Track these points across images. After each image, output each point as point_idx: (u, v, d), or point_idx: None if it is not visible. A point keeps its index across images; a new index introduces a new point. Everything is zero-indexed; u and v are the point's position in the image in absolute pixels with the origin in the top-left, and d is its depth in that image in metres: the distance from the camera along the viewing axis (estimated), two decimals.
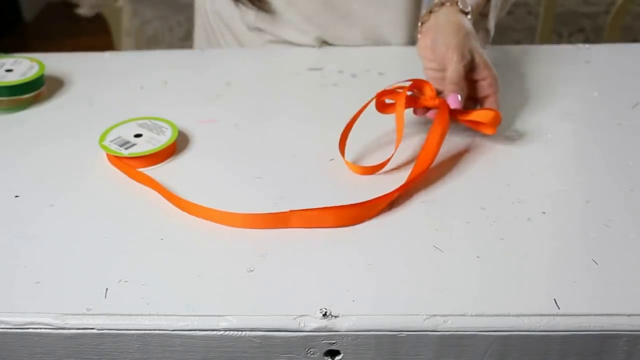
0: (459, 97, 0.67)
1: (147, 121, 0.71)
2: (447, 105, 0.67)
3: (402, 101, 0.67)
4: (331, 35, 0.90)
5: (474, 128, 0.70)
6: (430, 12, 0.73)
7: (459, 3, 0.72)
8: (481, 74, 0.70)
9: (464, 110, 0.68)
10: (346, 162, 0.66)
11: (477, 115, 0.68)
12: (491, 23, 0.78)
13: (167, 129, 0.70)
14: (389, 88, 0.69)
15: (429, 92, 0.69)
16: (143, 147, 0.67)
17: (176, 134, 0.69)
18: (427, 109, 0.69)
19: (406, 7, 0.88)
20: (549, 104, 0.76)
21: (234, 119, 0.75)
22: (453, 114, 0.68)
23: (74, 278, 0.54)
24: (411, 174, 0.64)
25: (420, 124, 0.73)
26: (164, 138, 0.68)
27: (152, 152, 0.67)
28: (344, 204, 0.60)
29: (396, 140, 0.67)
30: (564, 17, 2.42)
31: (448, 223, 0.59)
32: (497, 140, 0.70)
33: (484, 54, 0.70)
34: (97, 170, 0.67)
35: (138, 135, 0.69)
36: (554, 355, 0.51)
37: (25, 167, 0.68)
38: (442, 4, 0.73)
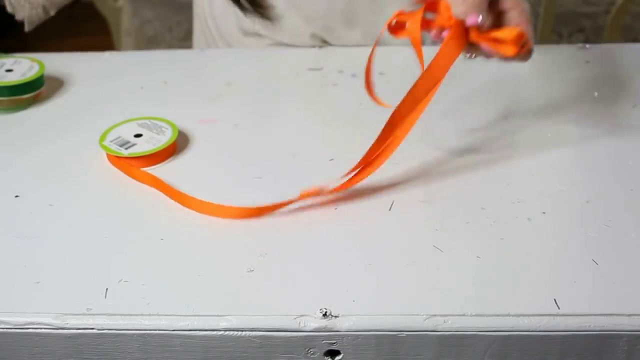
0: (479, 16, 0.60)
1: (147, 121, 0.71)
2: (463, 24, 0.61)
3: (417, 19, 0.62)
4: (330, 36, 0.90)
5: (493, 50, 0.62)
6: None
7: None
8: (508, 3, 0.63)
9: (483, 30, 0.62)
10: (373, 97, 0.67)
11: (497, 33, 0.61)
12: None
13: (167, 129, 0.70)
14: (400, 11, 0.63)
15: (445, 11, 0.62)
16: (143, 147, 0.67)
17: (176, 134, 0.69)
18: (443, 29, 0.63)
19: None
20: (549, 104, 0.76)
21: (234, 119, 0.75)
22: (471, 34, 0.61)
23: (74, 278, 0.54)
24: (415, 86, 0.59)
25: None
26: (164, 138, 0.68)
27: (152, 152, 0.67)
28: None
29: (419, 62, 0.62)
30: (564, 17, 2.41)
31: (448, 223, 0.59)
32: (497, 140, 0.70)
33: None
34: (97, 170, 0.67)
35: (138, 135, 0.69)
36: (554, 355, 0.51)
37: (25, 167, 0.68)
38: None
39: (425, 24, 0.63)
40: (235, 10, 0.90)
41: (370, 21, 0.88)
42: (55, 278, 0.54)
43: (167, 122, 0.71)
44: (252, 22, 0.90)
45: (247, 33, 0.92)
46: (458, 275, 0.54)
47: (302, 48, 0.90)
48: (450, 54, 0.60)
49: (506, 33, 0.61)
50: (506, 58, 0.62)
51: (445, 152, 0.68)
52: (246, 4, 0.87)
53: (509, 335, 0.50)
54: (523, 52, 0.62)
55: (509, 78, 0.81)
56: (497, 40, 0.61)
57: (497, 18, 0.63)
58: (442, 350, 0.51)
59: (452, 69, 0.62)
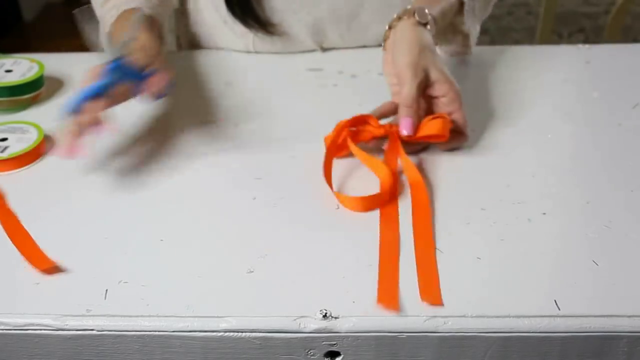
0: (411, 121, 0.65)
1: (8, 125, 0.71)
2: (396, 133, 0.65)
3: (347, 137, 0.66)
4: (330, 43, 0.89)
5: (430, 142, 0.67)
6: (390, 27, 0.71)
7: (415, 15, 0.69)
8: (440, 89, 0.67)
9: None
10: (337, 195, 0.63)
11: (426, 129, 0.65)
12: (469, 25, 0.76)
13: (29, 130, 0.70)
14: (330, 134, 0.66)
15: (372, 122, 0.66)
16: (16, 147, 0.67)
17: (41, 135, 0.69)
18: (379, 138, 0.67)
19: None
20: (549, 104, 0.76)
21: (234, 119, 0.75)
22: (406, 138, 0.65)
23: (73, 279, 0.54)
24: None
25: None
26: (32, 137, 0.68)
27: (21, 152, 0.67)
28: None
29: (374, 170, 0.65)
30: (564, 17, 2.42)
31: (448, 224, 0.59)
32: (497, 141, 0.70)
33: (444, 68, 0.67)
34: (96, 170, 0.67)
35: (3, 140, 0.69)
36: (554, 356, 0.51)
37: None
38: (400, 18, 0.70)
39: (356, 137, 0.66)
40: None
41: (374, 30, 0.87)
42: (54, 279, 0.54)
43: (29, 123, 0.71)
44: (252, 42, 0.88)
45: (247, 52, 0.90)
46: (458, 276, 0.54)
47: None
48: (392, 160, 0.65)
49: (432, 129, 0.65)
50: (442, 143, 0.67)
51: (445, 153, 0.68)
52: (253, 23, 0.85)
53: (509, 336, 0.50)
54: (456, 136, 0.67)
55: (508, 79, 0.81)
56: (427, 137, 0.66)
57: (432, 103, 0.68)
58: (442, 352, 0.51)
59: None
